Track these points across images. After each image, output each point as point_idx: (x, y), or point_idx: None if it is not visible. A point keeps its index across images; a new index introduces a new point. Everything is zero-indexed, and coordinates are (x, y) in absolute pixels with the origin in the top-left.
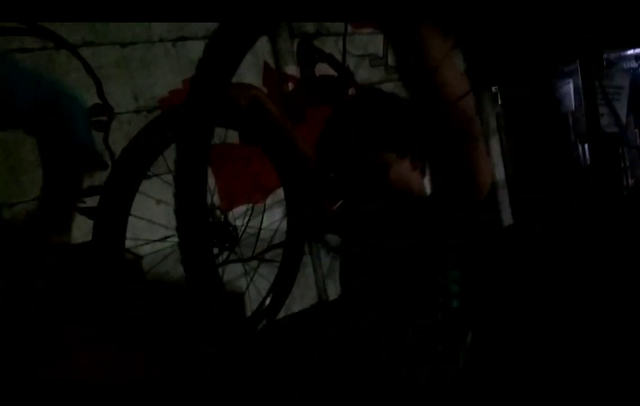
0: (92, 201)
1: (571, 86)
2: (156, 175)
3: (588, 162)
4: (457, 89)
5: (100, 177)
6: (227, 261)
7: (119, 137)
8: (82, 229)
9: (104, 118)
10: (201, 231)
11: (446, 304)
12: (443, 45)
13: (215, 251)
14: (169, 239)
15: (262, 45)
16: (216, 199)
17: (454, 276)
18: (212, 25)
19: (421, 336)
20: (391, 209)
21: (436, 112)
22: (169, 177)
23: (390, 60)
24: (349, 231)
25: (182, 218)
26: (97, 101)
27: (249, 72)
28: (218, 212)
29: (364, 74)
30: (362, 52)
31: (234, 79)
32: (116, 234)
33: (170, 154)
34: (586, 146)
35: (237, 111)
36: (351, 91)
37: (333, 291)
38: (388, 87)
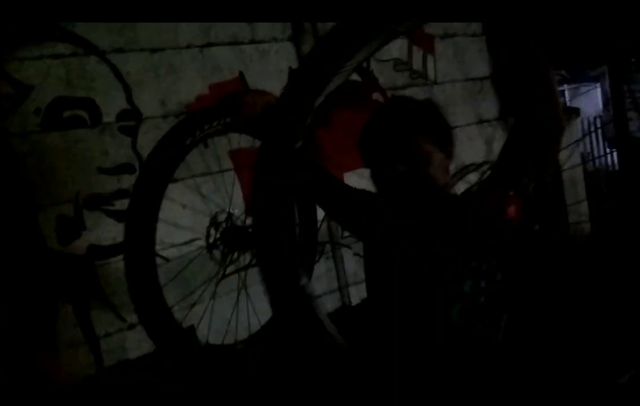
0: (120, 204)
1: (599, 90)
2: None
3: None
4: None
5: (128, 181)
6: (249, 265)
7: (147, 142)
8: (110, 232)
9: (133, 123)
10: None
11: (489, 288)
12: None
13: (236, 255)
14: (193, 243)
15: (287, 50)
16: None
17: (494, 264)
18: (238, 30)
19: (465, 317)
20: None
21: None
22: (191, 182)
23: (415, 65)
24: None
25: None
26: (126, 106)
27: (273, 78)
28: (238, 217)
29: (388, 78)
30: (386, 57)
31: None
32: (147, 237)
33: (194, 158)
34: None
35: (251, 117)
36: (375, 96)
37: (356, 295)
38: (412, 91)
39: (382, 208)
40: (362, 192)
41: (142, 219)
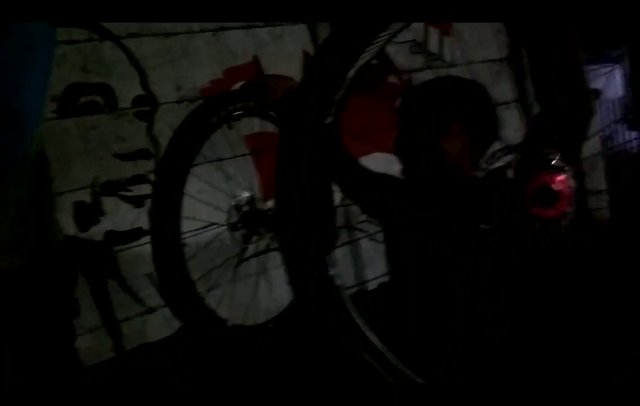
0: (137, 190)
1: (618, 71)
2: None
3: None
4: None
5: (144, 166)
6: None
7: (163, 128)
8: (128, 217)
9: (148, 109)
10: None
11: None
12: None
13: (256, 239)
14: (211, 227)
15: (302, 34)
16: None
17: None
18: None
19: (491, 290)
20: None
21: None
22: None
23: (431, 47)
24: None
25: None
26: (141, 91)
27: (288, 62)
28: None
29: (404, 61)
30: (402, 39)
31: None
32: (172, 220)
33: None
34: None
35: (272, 102)
36: (391, 79)
37: (372, 278)
38: (428, 74)
39: (404, 194)
40: (385, 176)
41: (168, 198)
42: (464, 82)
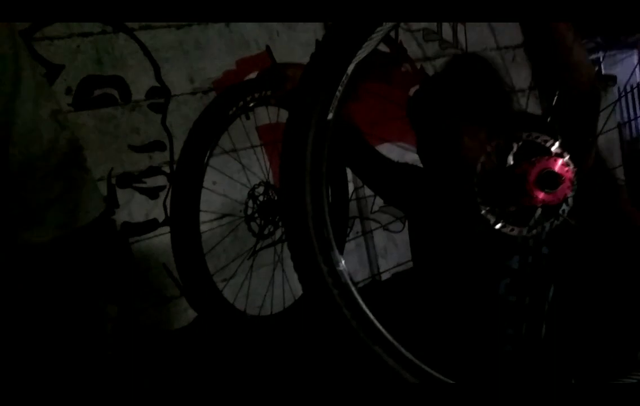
0: (152, 182)
1: (635, 57)
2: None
3: None
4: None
5: (159, 158)
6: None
7: (176, 119)
8: (143, 208)
9: (162, 100)
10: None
11: (537, 262)
12: None
13: (271, 228)
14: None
15: (314, 23)
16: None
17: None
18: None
19: (512, 291)
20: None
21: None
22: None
23: (445, 34)
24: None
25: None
26: (155, 83)
27: (302, 52)
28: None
29: (417, 49)
30: (415, 27)
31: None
32: (191, 211)
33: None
34: None
35: (290, 91)
36: (404, 67)
37: (385, 268)
38: (441, 62)
39: (426, 183)
40: (406, 166)
41: (187, 189)
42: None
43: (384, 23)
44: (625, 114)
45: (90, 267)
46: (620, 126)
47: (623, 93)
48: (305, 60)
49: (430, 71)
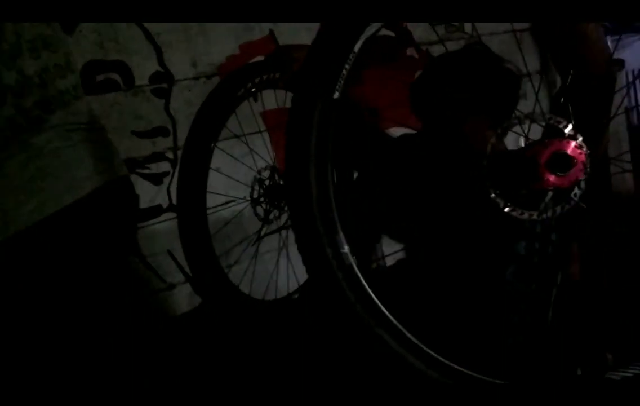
0: (155, 167)
1: None
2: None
3: None
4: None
5: (162, 144)
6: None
7: (179, 104)
8: (147, 195)
9: (165, 86)
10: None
11: (544, 249)
12: None
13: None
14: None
15: None
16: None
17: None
18: None
19: (519, 277)
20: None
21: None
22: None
23: None
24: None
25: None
26: (158, 68)
27: (304, 35)
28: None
29: (423, 33)
30: None
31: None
32: (198, 195)
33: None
34: None
35: (297, 72)
36: (409, 52)
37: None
38: (449, 45)
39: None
40: (405, 135)
41: (195, 172)
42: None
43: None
44: (632, 99)
45: (116, 224)
46: (628, 111)
47: (634, 78)
48: (308, 42)
49: (436, 55)
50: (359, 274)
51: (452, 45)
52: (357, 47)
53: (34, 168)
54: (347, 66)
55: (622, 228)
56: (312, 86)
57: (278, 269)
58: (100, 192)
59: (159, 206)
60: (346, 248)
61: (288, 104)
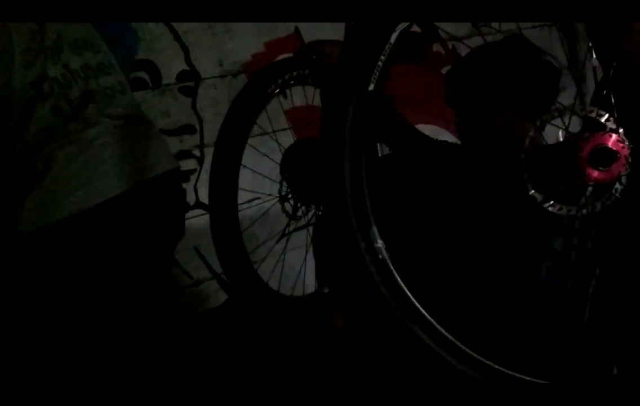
0: (183, 165)
1: None
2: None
3: None
4: None
5: (189, 142)
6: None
7: (206, 102)
8: None
9: (192, 84)
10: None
11: (582, 245)
12: None
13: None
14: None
15: None
16: None
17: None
18: None
19: (555, 274)
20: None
21: None
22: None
23: None
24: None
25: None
26: (185, 67)
27: (329, 31)
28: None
29: (450, 27)
30: None
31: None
32: (230, 191)
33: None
34: None
35: (328, 68)
36: (436, 48)
37: None
38: (476, 41)
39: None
40: (446, 143)
41: (227, 169)
42: (524, 47)
43: None
44: None
45: (159, 221)
46: None
47: None
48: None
49: (462, 52)
50: (393, 269)
51: (478, 41)
52: (393, 38)
53: (83, 160)
54: (382, 57)
55: None
56: (347, 78)
57: (305, 266)
58: (145, 186)
59: (186, 203)
60: (380, 242)
61: (314, 102)
